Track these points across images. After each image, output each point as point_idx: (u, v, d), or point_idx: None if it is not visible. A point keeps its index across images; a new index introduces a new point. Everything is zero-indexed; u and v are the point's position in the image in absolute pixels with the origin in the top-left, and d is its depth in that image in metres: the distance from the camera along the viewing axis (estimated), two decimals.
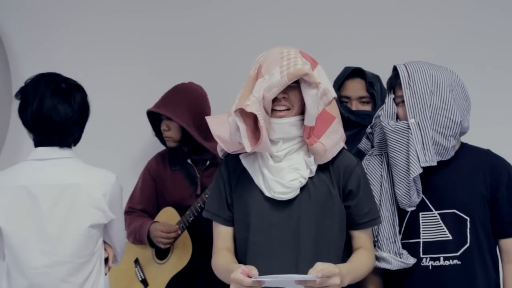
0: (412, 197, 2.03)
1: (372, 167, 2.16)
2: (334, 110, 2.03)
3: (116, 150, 3.23)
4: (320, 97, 1.95)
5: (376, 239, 2.10)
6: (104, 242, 2.23)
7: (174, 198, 2.81)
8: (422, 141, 2.01)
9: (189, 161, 2.85)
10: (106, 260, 2.25)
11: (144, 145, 3.23)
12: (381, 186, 2.12)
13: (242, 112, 1.92)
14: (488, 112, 2.74)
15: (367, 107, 2.48)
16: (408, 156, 2.02)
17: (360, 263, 2.00)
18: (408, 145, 2.02)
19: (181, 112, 2.74)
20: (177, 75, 3.16)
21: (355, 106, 2.43)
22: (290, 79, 1.89)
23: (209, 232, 2.66)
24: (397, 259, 2.04)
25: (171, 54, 3.23)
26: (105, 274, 2.24)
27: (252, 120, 1.94)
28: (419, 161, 2.00)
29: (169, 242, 2.73)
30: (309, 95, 1.93)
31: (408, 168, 2.01)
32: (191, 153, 2.83)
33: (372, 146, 2.21)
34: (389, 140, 2.07)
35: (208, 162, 2.82)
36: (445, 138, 2.03)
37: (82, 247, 2.11)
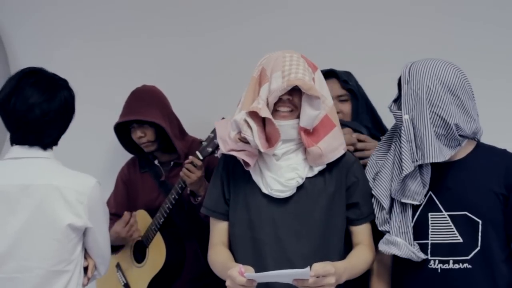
0: (411, 187, 1.97)
1: (382, 153, 2.14)
2: (335, 118, 2.09)
3: (115, 152, 3.23)
4: (319, 103, 2.00)
5: (389, 226, 2.04)
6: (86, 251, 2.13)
7: (145, 199, 2.83)
8: (415, 138, 1.96)
9: (156, 162, 2.86)
10: (86, 270, 2.13)
11: None
12: (392, 173, 2.05)
13: (251, 114, 1.98)
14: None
15: (346, 105, 2.54)
16: (400, 153, 1.99)
17: (358, 259, 2.03)
18: (400, 141, 2.00)
19: (153, 112, 2.72)
20: (178, 77, 3.17)
21: (335, 105, 2.47)
22: (289, 85, 1.96)
23: (184, 232, 2.75)
24: (408, 246, 1.96)
25: (173, 55, 3.23)
26: (84, 286, 2.12)
27: (260, 122, 2.01)
28: (411, 160, 1.95)
29: (134, 230, 2.73)
30: (306, 101, 2.00)
31: (400, 164, 1.98)
32: (161, 150, 2.82)
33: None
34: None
35: (172, 163, 2.81)
36: (437, 137, 1.96)
37: (56, 253, 2.00)
